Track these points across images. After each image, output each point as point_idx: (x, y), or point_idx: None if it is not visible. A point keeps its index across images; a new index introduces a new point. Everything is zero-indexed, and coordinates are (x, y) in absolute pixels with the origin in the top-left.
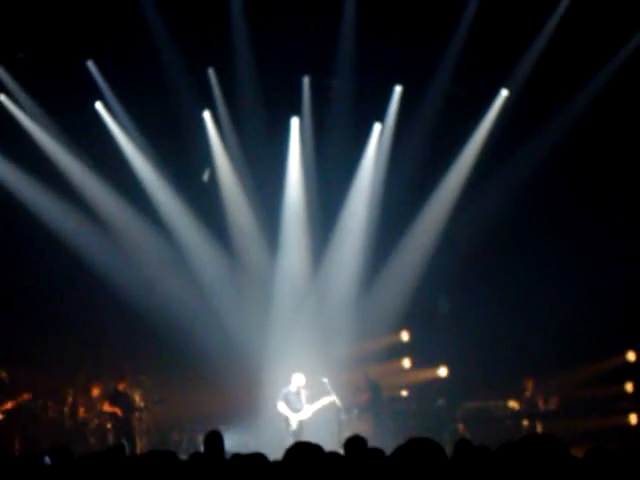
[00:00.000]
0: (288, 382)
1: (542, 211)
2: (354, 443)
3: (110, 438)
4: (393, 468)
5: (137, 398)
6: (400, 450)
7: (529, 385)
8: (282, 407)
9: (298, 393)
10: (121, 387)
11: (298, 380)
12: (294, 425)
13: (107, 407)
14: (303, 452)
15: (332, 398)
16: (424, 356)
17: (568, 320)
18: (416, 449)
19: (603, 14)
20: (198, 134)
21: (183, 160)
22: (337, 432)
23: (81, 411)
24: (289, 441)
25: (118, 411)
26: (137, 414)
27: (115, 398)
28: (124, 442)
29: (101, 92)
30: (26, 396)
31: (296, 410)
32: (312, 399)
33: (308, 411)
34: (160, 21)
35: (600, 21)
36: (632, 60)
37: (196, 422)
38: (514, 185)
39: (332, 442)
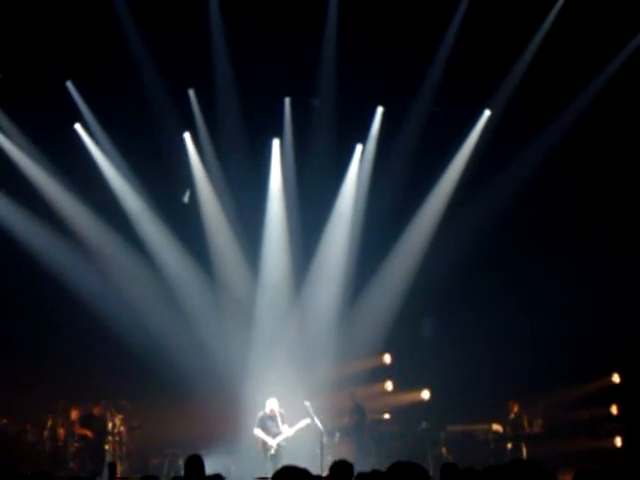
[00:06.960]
0: (263, 406)
1: (525, 231)
2: (340, 468)
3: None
4: None
5: (117, 422)
6: (386, 474)
7: (513, 407)
8: (258, 432)
9: (273, 417)
10: (96, 411)
11: (271, 404)
12: (272, 449)
13: (77, 429)
14: (290, 476)
15: (309, 420)
16: (407, 379)
17: (553, 342)
18: (402, 473)
19: (587, 33)
20: (178, 155)
21: (163, 181)
22: (319, 456)
23: (61, 434)
24: (267, 466)
25: (88, 433)
26: (116, 438)
27: (87, 421)
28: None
29: (80, 113)
30: (4, 420)
31: (274, 434)
32: (290, 421)
33: (286, 434)
34: (140, 41)
35: (584, 40)
36: (616, 79)
37: (177, 446)
38: (497, 206)
39: (314, 466)
